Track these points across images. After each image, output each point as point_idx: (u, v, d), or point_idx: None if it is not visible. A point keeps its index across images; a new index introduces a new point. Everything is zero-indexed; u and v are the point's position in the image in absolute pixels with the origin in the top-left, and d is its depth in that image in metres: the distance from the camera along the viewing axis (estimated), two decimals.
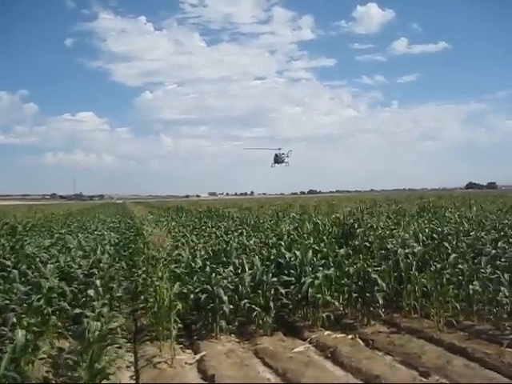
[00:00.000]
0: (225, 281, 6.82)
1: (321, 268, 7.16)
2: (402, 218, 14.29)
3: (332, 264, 7.62)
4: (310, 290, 6.64)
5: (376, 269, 7.27)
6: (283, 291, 6.74)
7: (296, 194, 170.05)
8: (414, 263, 7.25)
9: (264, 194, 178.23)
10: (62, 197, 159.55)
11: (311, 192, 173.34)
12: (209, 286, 6.54)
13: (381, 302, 6.71)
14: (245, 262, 7.39)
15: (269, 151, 49.55)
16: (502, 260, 7.46)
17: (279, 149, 48.59)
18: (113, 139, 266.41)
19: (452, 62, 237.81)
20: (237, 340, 6.60)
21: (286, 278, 7.17)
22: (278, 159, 49.69)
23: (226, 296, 6.44)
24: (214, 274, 6.77)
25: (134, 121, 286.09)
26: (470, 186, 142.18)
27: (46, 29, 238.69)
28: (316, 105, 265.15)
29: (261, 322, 6.63)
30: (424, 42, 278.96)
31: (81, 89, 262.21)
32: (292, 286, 6.97)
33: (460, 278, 7.12)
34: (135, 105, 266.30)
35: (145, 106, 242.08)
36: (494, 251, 7.87)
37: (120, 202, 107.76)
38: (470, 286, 6.72)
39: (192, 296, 6.57)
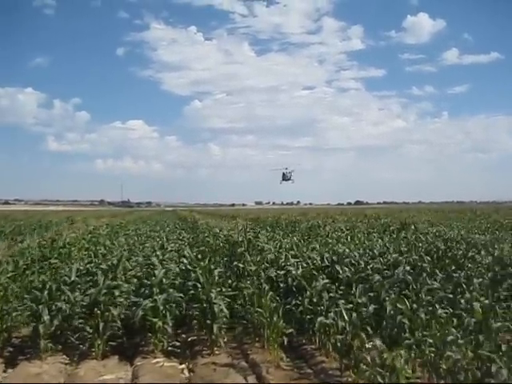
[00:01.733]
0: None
1: (171, 290, 6.70)
2: (355, 234, 13.44)
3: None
4: (140, 313, 6.21)
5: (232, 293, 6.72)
6: (115, 313, 6.32)
7: (342, 204, 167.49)
8: (267, 287, 6.62)
9: (310, 203, 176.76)
10: (109, 203, 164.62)
11: (358, 203, 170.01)
12: (34, 304, 6.25)
13: (215, 330, 6.15)
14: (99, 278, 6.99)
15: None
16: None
17: (286, 168, 57.52)
18: (162, 147, 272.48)
19: (504, 73, 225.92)
20: (66, 361, 6.26)
21: (135, 299, 6.77)
22: (285, 177, 57.83)
23: (47, 315, 6.13)
24: (46, 292, 6.46)
25: (182, 129, 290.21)
26: None
27: (99, 39, 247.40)
28: (364, 115, 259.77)
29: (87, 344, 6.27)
30: (475, 53, 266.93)
31: (131, 97, 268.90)
32: (134, 308, 6.55)
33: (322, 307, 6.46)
34: (184, 113, 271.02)
35: (194, 114, 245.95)
36: (377, 277, 7.10)
37: (161, 208, 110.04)
38: (319, 318, 6.04)
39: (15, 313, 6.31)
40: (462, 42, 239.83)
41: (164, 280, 6.82)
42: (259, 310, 6.13)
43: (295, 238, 11.30)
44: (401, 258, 8.71)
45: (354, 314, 5.66)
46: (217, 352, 6.35)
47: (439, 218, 27.27)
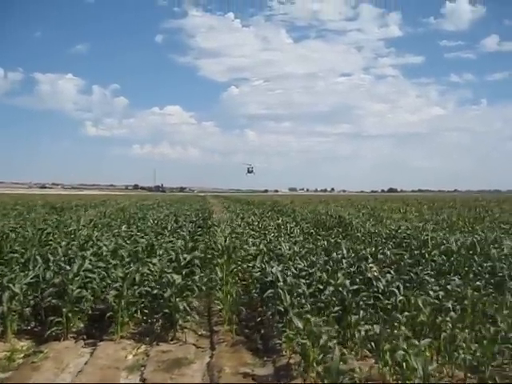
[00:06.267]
0: None
1: None
2: None
3: None
4: None
5: None
6: None
7: (376, 191, 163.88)
8: None
9: (344, 190, 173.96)
10: (142, 188, 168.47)
11: (391, 190, 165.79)
12: None
13: None
14: None
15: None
16: None
17: (250, 164, 77.45)
18: (199, 133, 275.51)
19: None
20: None
21: None
22: (249, 170, 77.45)
23: None
24: None
25: (219, 115, 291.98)
26: None
27: (138, 26, 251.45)
28: (402, 102, 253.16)
29: None
30: None
31: (169, 83, 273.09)
32: None
33: None
34: (221, 100, 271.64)
35: (231, 100, 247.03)
36: None
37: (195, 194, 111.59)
38: None
39: None
40: (502, 29, 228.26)
41: None
42: None
43: None
44: None
45: None
46: None
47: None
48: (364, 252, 8.49)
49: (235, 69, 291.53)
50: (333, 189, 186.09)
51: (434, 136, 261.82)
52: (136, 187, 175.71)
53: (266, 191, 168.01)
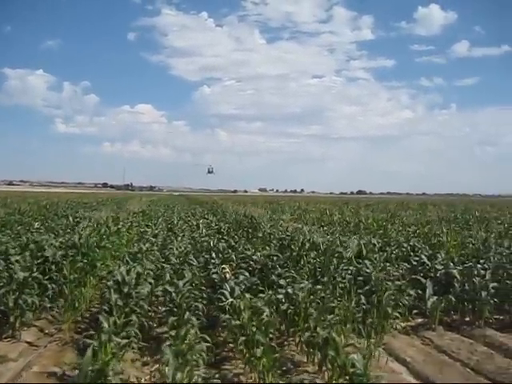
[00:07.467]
0: None
1: None
2: None
3: None
4: None
5: None
6: None
7: (346, 193, 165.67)
8: None
9: (313, 192, 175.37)
10: (111, 186, 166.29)
11: (360, 192, 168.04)
12: None
13: None
14: None
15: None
16: None
17: (210, 165, 74.79)
18: (169, 132, 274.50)
19: None
20: None
21: None
22: (209, 170, 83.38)
23: None
24: None
25: (191, 114, 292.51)
26: None
27: (110, 23, 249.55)
28: (373, 105, 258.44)
29: None
30: (486, 45, 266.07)
31: (141, 82, 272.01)
32: None
33: None
34: (193, 99, 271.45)
35: (202, 100, 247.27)
36: None
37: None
38: None
39: None
40: (472, 35, 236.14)
41: None
42: None
43: None
44: None
45: None
46: None
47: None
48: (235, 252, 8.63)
49: (208, 68, 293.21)
50: (302, 190, 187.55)
51: (404, 139, 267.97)
52: (105, 185, 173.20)
53: (236, 191, 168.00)
